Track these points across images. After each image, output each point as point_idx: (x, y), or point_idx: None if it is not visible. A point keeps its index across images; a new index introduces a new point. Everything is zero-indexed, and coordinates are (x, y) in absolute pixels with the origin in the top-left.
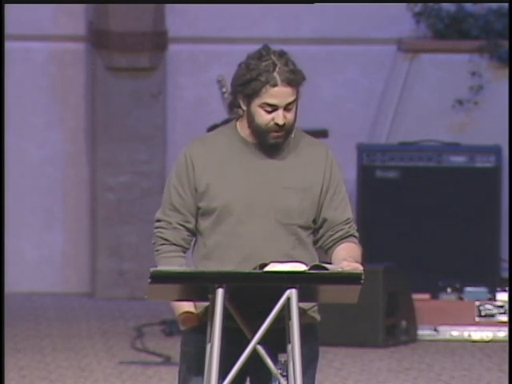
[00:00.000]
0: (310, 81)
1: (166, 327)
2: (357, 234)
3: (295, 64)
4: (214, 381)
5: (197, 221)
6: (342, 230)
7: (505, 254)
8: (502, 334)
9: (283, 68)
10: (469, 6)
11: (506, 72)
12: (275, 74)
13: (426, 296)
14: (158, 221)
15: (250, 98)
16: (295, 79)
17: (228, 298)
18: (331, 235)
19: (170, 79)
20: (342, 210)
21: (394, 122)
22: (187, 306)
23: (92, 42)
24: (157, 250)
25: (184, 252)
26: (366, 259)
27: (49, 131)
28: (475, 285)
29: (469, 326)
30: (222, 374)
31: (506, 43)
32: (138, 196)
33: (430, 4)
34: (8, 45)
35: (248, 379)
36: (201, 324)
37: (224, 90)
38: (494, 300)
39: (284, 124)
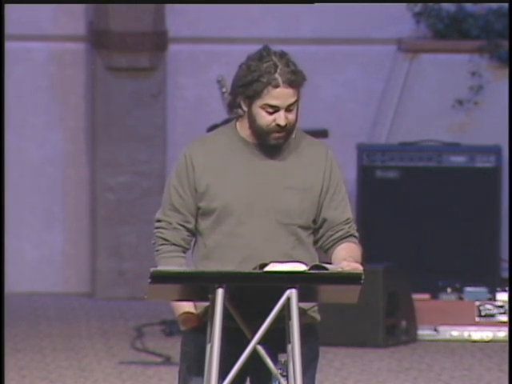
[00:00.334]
0: (310, 81)
1: (166, 327)
2: (357, 234)
3: (296, 65)
4: (213, 381)
5: (197, 221)
6: (341, 229)
7: (505, 254)
8: (502, 333)
9: (284, 69)
10: (469, 5)
11: (506, 72)
12: (277, 76)
13: (426, 296)
14: (158, 221)
15: (251, 99)
16: (296, 80)
17: (228, 298)
18: (331, 235)
19: (170, 79)
20: (342, 209)
21: (393, 121)
22: (187, 306)
23: (92, 42)
24: (157, 250)
25: (184, 252)
26: (365, 259)
27: (49, 131)
28: (475, 285)
29: (469, 326)
30: (222, 374)
31: (506, 43)
32: (138, 196)
33: (430, 4)
34: (8, 45)
35: (248, 379)
36: (201, 324)
37: (224, 90)
38: (494, 300)
39: (285, 125)
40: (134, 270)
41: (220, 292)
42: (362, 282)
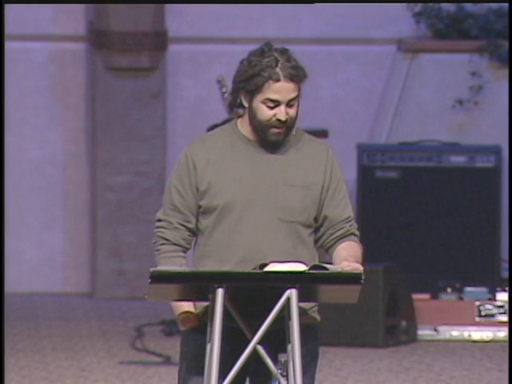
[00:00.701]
0: (310, 81)
1: (166, 327)
2: (357, 233)
3: (297, 61)
4: (213, 381)
5: (197, 220)
6: (342, 228)
7: (505, 254)
8: (502, 333)
9: (285, 64)
10: (469, 5)
11: (506, 72)
12: (278, 70)
13: (426, 296)
14: (159, 220)
15: (252, 93)
16: (298, 75)
17: (228, 298)
18: (332, 233)
19: (170, 79)
20: (343, 208)
21: (393, 122)
22: (187, 306)
23: (92, 42)
24: (157, 250)
25: (184, 252)
26: (366, 259)
27: (49, 131)
28: (475, 285)
29: (469, 326)
30: (222, 374)
31: (506, 43)
32: (138, 196)
33: (430, 4)
34: (8, 45)
35: (248, 379)
36: (200, 324)
37: (224, 90)
38: (494, 300)
39: (286, 120)
40: (134, 270)
41: (220, 292)
42: (362, 282)
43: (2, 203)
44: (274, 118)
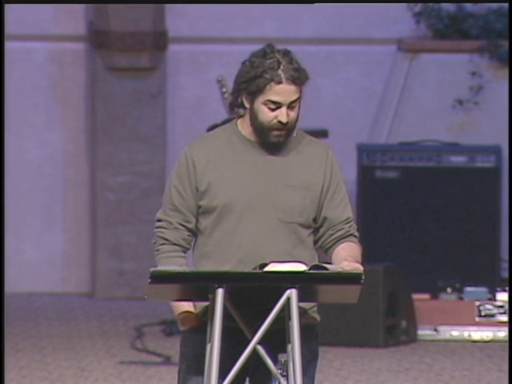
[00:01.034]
0: (310, 81)
1: (166, 327)
2: (357, 234)
3: (299, 63)
4: (213, 381)
5: (197, 220)
6: (342, 229)
7: (505, 254)
8: (502, 333)
9: (288, 66)
10: (469, 5)
11: (506, 72)
12: (280, 72)
13: (426, 296)
14: (159, 221)
15: (253, 95)
16: (299, 77)
17: (228, 298)
18: (331, 234)
19: (170, 79)
20: (342, 209)
21: (393, 122)
22: (186, 306)
23: (92, 42)
24: (157, 250)
25: (184, 252)
26: (365, 259)
27: (49, 131)
28: (475, 285)
29: (469, 326)
30: (222, 374)
31: (506, 43)
32: (138, 196)
33: (430, 4)
34: (8, 45)
35: (248, 379)
36: (200, 324)
37: (224, 89)
38: (494, 300)
39: (287, 122)
40: (134, 270)
41: (220, 292)
42: (362, 282)
43: (2, 203)
44: (275, 120)
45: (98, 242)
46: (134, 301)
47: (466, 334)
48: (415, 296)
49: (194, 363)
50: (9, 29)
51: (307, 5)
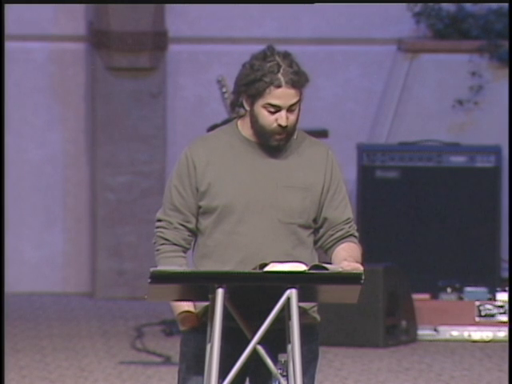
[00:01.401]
0: (310, 81)
1: (166, 327)
2: (357, 234)
3: (299, 65)
4: (213, 381)
5: (197, 220)
6: (342, 229)
7: (505, 254)
8: (502, 333)
9: (287, 69)
10: (469, 5)
11: (506, 72)
12: (279, 76)
13: (426, 296)
14: (159, 220)
15: (253, 98)
16: (299, 81)
17: (228, 298)
18: (331, 235)
19: (170, 79)
20: (343, 209)
21: (393, 122)
22: (186, 306)
23: (92, 42)
24: (157, 250)
25: (184, 252)
26: (365, 259)
27: (49, 131)
28: (475, 285)
29: (469, 326)
30: (222, 374)
31: (506, 43)
32: (137, 196)
33: (430, 4)
34: (8, 45)
35: (248, 379)
36: (200, 324)
37: (224, 89)
38: (494, 300)
39: (287, 125)
40: (134, 270)
41: (220, 292)
42: (362, 282)
43: (2, 203)
44: (275, 124)
45: (97, 242)
46: (134, 301)
47: (465, 334)
48: (415, 296)
49: (194, 363)
50: (9, 29)
51: (307, 5)
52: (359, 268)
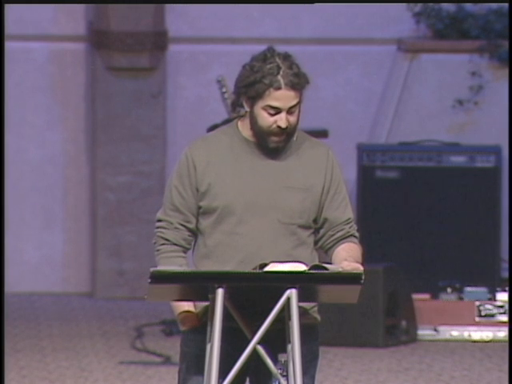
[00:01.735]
0: (311, 82)
1: (166, 327)
2: (357, 234)
3: (299, 67)
4: (213, 381)
5: (197, 220)
6: (342, 230)
7: (505, 254)
8: (502, 333)
9: (287, 71)
10: (469, 5)
11: (506, 72)
12: (279, 77)
13: (426, 296)
14: (159, 221)
15: (253, 100)
16: (299, 83)
17: (228, 298)
18: (332, 235)
19: (170, 79)
20: (343, 210)
21: (393, 122)
22: (186, 305)
23: (92, 42)
24: (157, 250)
25: (184, 252)
26: (365, 259)
27: (49, 131)
28: (475, 285)
29: (469, 326)
30: (222, 374)
31: (506, 43)
32: (137, 196)
33: (430, 4)
34: (8, 45)
35: (248, 379)
36: (200, 324)
37: (224, 90)
38: (494, 300)
39: (286, 127)
40: (134, 270)
41: (220, 292)
42: (362, 282)
43: (2, 203)
44: (274, 125)
45: (97, 242)
46: (134, 301)
47: (466, 334)
48: (415, 296)
49: (194, 363)
50: (9, 29)
51: (307, 5)
52: (359, 268)
